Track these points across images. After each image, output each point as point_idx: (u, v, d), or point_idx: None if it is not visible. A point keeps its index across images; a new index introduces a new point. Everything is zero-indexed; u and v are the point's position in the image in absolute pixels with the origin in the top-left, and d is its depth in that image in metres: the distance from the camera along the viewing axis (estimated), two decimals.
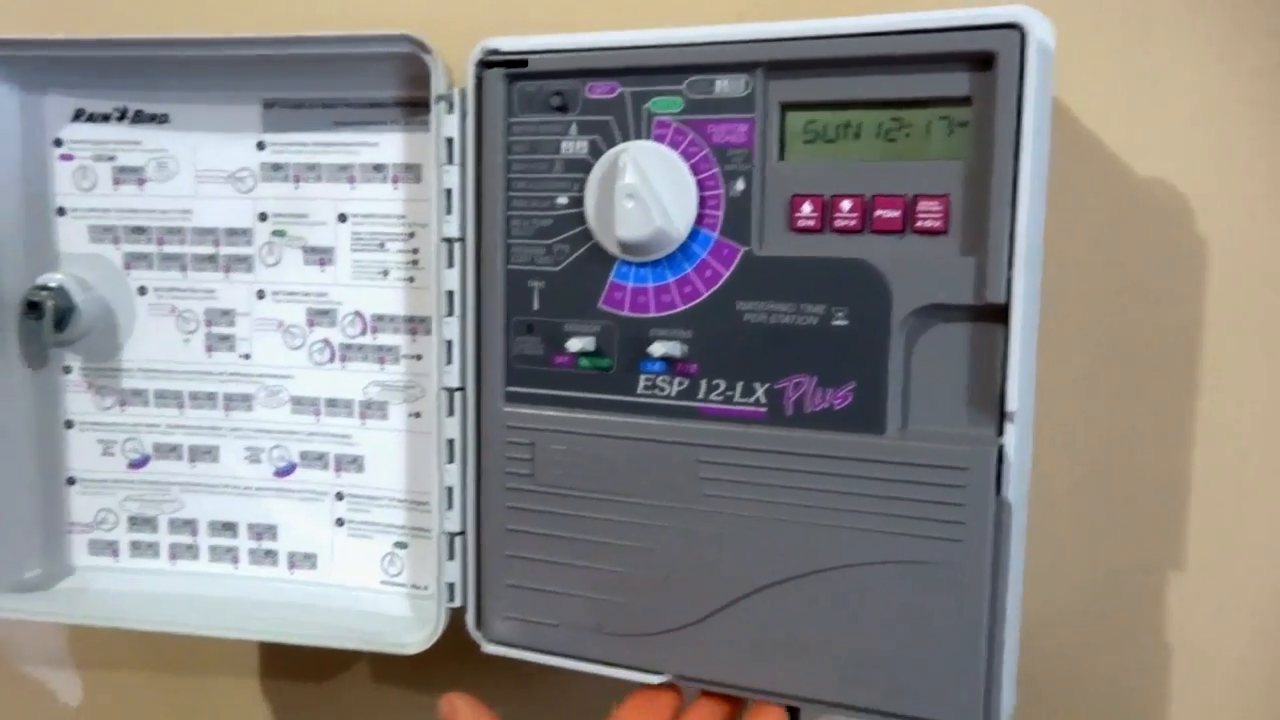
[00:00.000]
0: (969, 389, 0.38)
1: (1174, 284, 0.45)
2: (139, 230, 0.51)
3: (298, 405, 0.51)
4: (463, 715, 0.43)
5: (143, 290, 0.52)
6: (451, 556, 0.47)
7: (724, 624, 0.41)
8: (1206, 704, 0.47)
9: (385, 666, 0.60)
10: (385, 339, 0.50)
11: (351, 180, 0.49)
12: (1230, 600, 0.46)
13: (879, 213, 0.38)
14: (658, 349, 0.41)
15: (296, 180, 0.50)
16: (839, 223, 0.39)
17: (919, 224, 0.38)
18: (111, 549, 0.54)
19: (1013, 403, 0.37)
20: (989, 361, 0.38)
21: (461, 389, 0.46)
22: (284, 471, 0.52)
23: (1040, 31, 0.35)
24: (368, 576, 0.51)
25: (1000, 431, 0.37)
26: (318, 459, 0.51)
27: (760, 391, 0.41)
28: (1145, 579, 0.47)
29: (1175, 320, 0.45)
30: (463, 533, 0.46)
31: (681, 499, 0.42)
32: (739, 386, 0.41)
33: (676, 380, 0.42)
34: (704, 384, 0.41)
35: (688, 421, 0.42)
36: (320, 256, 0.50)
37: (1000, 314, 0.37)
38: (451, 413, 0.46)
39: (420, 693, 0.60)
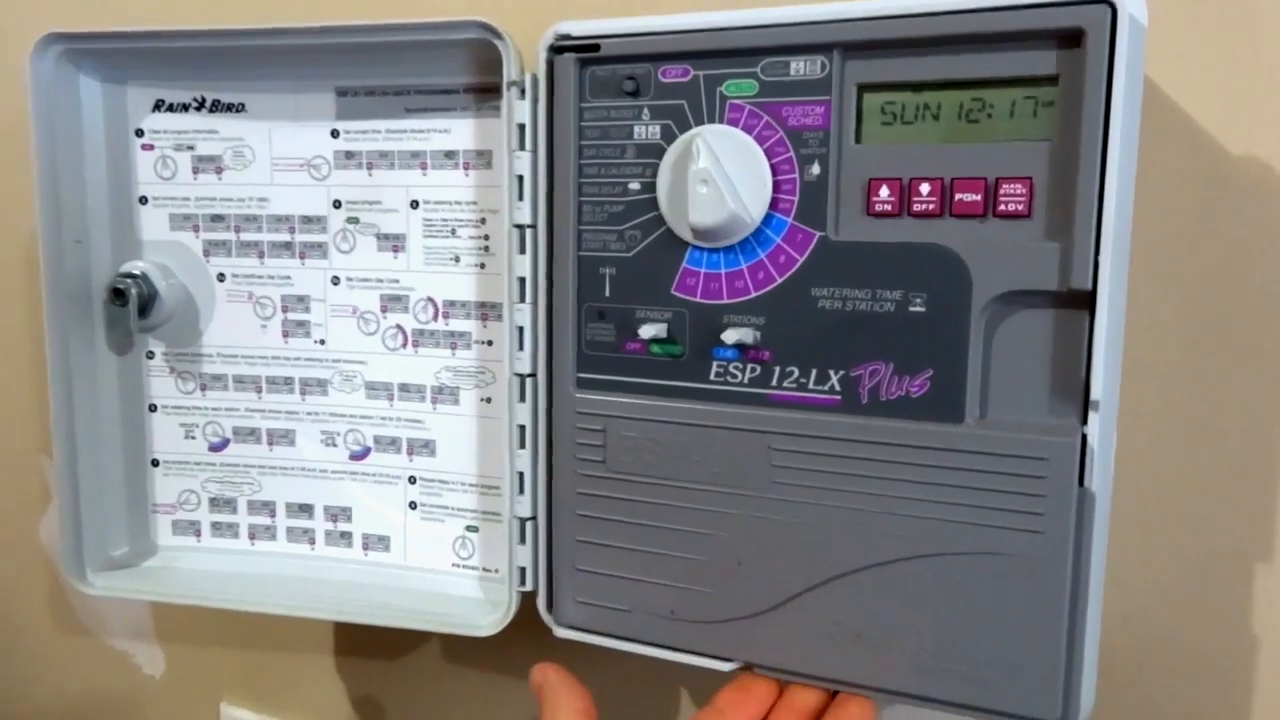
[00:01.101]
0: (1051, 377, 0.37)
1: (1267, 267, 0.43)
2: (217, 218, 0.52)
3: (371, 390, 0.52)
4: (553, 683, 0.43)
5: (221, 277, 0.53)
6: (523, 540, 0.47)
7: (797, 612, 0.41)
8: None
9: (456, 648, 0.61)
10: (457, 325, 0.50)
11: (424, 167, 0.49)
12: None
13: (959, 196, 0.37)
14: (730, 336, 0.41)
15: (370, 167, 0.50)
16: (917, 207, 0.38)
17: (1001, 208, 0.37)
18: (194, 529, 0.55)
19: (1097, 391, 0.36)
20: (1073, 349, 0.36)
21: (533, 375, 0.46)
22: (358, 455, 0.53)
23: (1132, 6, 0.34)
24: (440, 559, 0.52)
25: (1084, 421, 0.36)
26: (391, 443, 0.52)
27: (835, 379, 0.40)
28: (1231, 570, 0.45)
29: (1266, 305, 0.43)
30: (534, 517, 0.47)
31: (754, 486, 0.41)
32: (813, 374, 0.40)
33: (749, 367, 0.41)
34: (777, 371, 0.41)
35: (760, 409, 0.41)
36: (393, 243, 0.50)
37: (1085, 300, 0.36)
38: (523, 398, 0.46)
39: (491, 674, 0.60)
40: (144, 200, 0.53)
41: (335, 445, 0.53)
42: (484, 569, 0.51)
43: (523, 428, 0.46)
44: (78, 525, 0.53)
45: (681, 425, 0.43)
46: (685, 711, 0.56)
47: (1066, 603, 0.37)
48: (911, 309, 0.38)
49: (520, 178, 0.45)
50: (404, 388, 0.51)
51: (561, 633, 0.47)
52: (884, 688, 0.40)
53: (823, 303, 0.40)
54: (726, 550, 0.42)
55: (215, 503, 0.55)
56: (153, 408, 0.55)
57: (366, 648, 0.65)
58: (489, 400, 0.50)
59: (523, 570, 0.47)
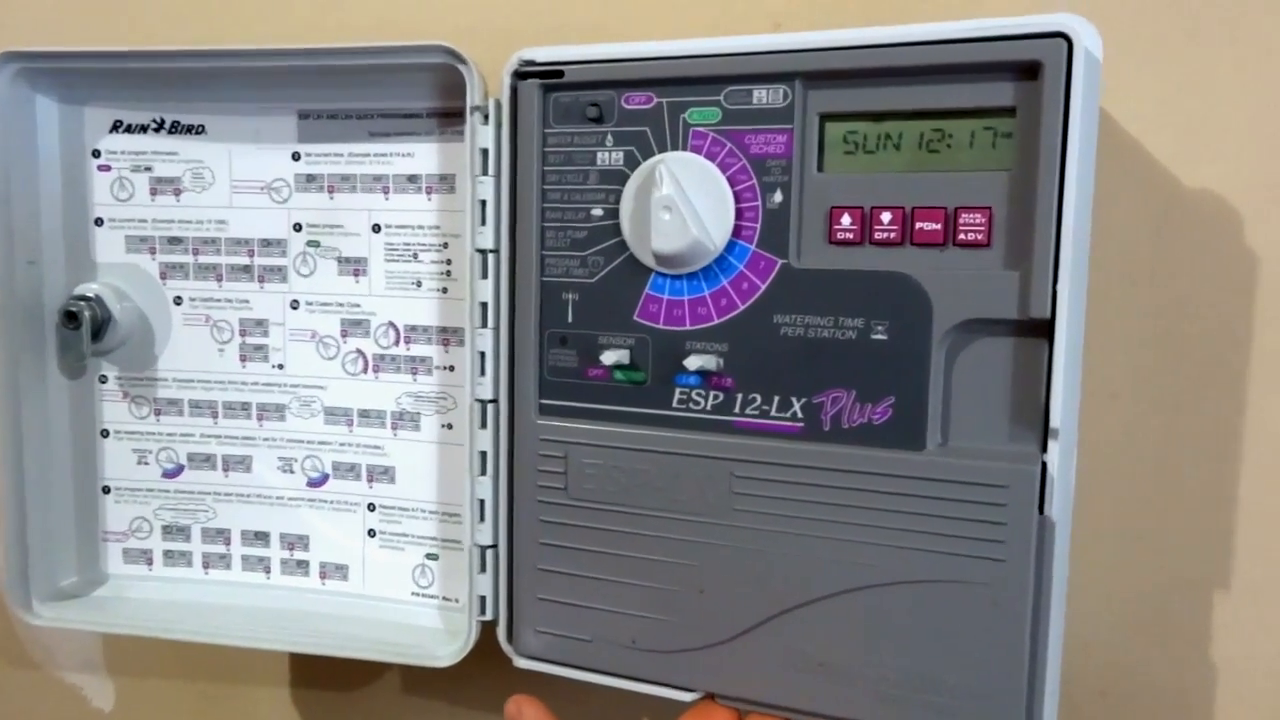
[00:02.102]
0: (1011, 405, 0.37)
1: (1222, 297, 0.44)
2: (175, 240, 0.52)
3: (331, 416, 0.51)
4: (528, 717, 0.43)
5: (178, 300, 0.52)
6: (483, 569, 0.46)
7: (759, 641, 0.41)
8: None
9: (416, 678, 0.60)
10: (418, 350, 0.49)
11: (386, 191, 0.49)
12: (1277, 619, 0.44)
13: (920, 225, 0.37)
14: (693, 362, 0.41)
15: (331, 191, 0.50)
16: (879, 235, 0.38)
17: (961, 237, 0.37)
18: (146, 557, 0.54)
19: (1056, 419, 0.36)
20: (1032, 377, 0.37)
21: (494, 401, 0.45)
22: (316, 482, 0.52)
23: (1088, 40, 0.35)
24: (399, 588, 0.51)
25: (1044, 449, 0.37)
26: (350, 470, 0.51)
27: (797, 406, 0.40)
28: (1190, 597, 0.45)
29: (1223, 335, 0.44)
30: (495, 545, 0.46)
31: (716, 514, 0.41)
32: (775, 401, 0.40)
33: (712, 394, 0.41)
34: (740, 398, 0.41)
35: (723, 436, 0.41)
36: (354, 267, 0.50)
37: (1044, 329, 0.36)
38: (484, 425, 0.46)
39: (451, 705, 0.59)
40: (100, 222, 0.52)
41: (293, 472, 0.52)
42: (444, 598, 0.50)
43: (484, 454, 0.46)
44: (24, 554, 0.52)
45: (644, 452, 0.42)
46: None
47: (1028, 630, 0.37)
48: (873, 336, 0.39)
49: (483, 202, 0.45)
50: (364, 413, 0.51)
51: (521, 663, 0.46)
52: (846, 717, 0.40)
53: (785, 330, 0.40)
54: (688, 578, 0.42)
55: (168, 530, 0.54)
56: (105, 433, 0.54)
57: (324, 679, 0.63)
58: (450, 426, 0.49)
59: (483, 599, 0.46)
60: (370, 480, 0.51)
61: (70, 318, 0.51)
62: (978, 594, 0.38)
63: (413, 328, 0.49)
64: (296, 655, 0.63)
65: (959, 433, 0.38)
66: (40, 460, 0.52)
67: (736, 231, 0.40)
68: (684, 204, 0.40)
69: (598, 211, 0.43)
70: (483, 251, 0.45)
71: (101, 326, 0.51)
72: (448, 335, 0.49)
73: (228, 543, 0.53)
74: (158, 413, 0.53)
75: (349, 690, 0.62)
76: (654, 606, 0.43)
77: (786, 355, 0.40)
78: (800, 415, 0.40)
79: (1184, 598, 0.45)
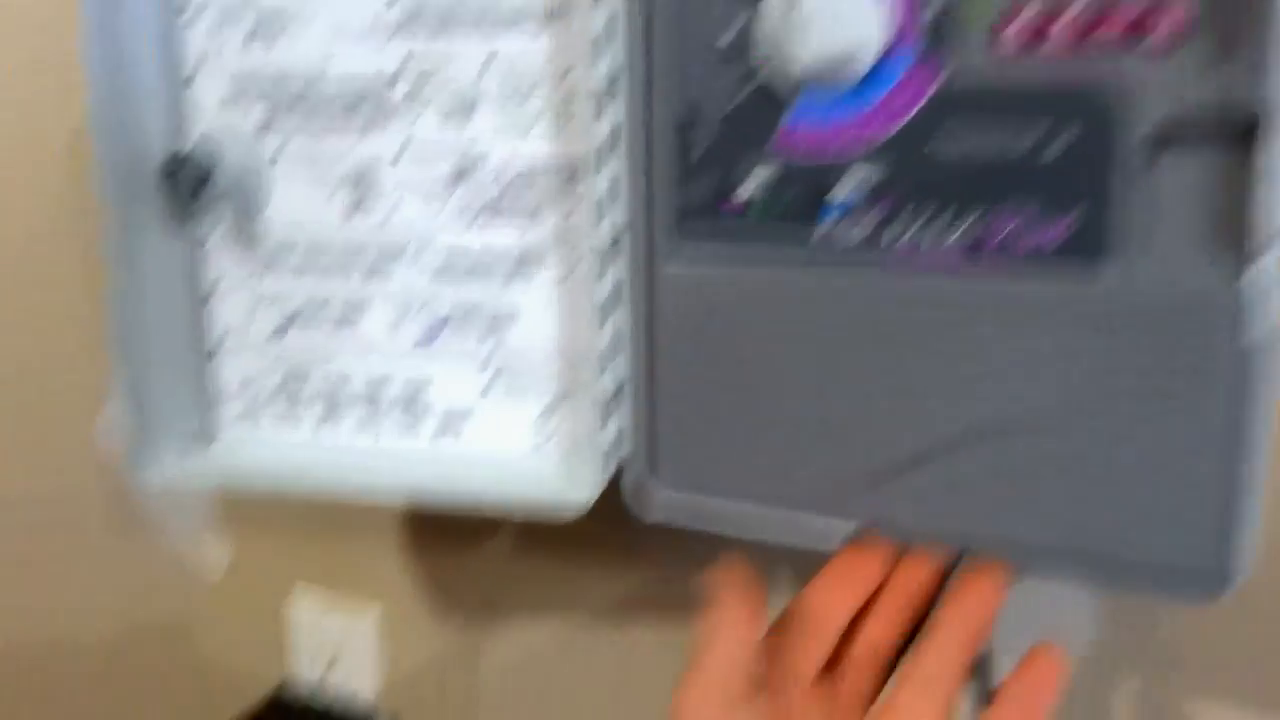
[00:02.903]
0: (1209, 222, 0.34)
1: None
2: (274, 89, 0.49)
3: (442, 266, 0.49)
4: (727, 600, 0.39)
5: (277, 152, 0.50)
6: (609, 418, 0.45)
7: (919, 478, 0.39)
8: None
9: (533, 536, 0.60)
10: (536, 193, 0.47)
11: (496, 23, 0.46)
12: None
13: (1109, 18, 0.33)
14: (841, 191, 0.38)
15: (437, 27, 0.46)
16: (1060, 34, 0.34)
17: (1157, 29, 0.33)
18: (257, 415, 0.54)
19: (1262, 236, 0.33)
20: (1233, 189, 0.33)
21: (619, 242, 0.43)
22: (430, 335, 0.50)
23: None
24: (520, 440, 0.50)
25: (1244, 271, 0.33)
26: (464, 322, 0.50)
27: (960, 233, 0.37)
28: None
29: None
30: (621, 393, 0.44)
31: (873, 354, 0.39)
32: (935, 228, 0.37)
33: (863, 225, 0.38)
34: (895, 228, 0.38)
35: (875, 271, 0.38)
36: (463, 108, 0.47)
37: (1252, 133, 0.32)
38: (608, 268, 0.43)
39: (569, 562, 0.59)
40: (195, 74, 0.50)
41: (405, 325, 0.50)
42: (568, 449, 0.49)
43: (608, 299, 0.44)
44: (139, 414, 0.51)
45: (785, 290, 0.40)
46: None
47: (1224, 459, 0.34)
48: (1050, 151, 0.35)
49: (603, 28, 0.41)
50: (477, 263, 0.49)
51: (652, 515, 0.45)
52: (1019, 548, 0.38)
53: (948, 148, 0.36)
54: (837, 419, 0.40)
55: (279, 388, 0.53)
56: (211, 291, 0.53)
57: (436, 542, 0.63)
58: (571, 272, 0.47)
59: (610, 449, 0.45)
60: (487, 331, 0.49)
61: (171, 173, 0.49)
62: (1168, 430, 0.35)
63: (529, 169, 0.47)
64: (409, 518, 0.64)
65: (1146, 255, 0.35)
66: (147, 320, 0.51)
67: (895, 38, 0.36)
68: (832, 9, 0.36)
69: (735, 27, 0.39)
70: (603, 81, 0.42)
71: (203, 180, 0.50)
72: (566, 176, 0.46)
73: (340, 399, 0.52)
74: (263, 269, 0.52)
75: (466, 545, 0.62)
76: (808, 445, 0.40)
77: (950, 177, 0.37)
78: (965, 244, 0.37)
79: None
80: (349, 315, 0.51)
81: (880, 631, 0.39)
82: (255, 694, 0.70)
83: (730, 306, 0.41)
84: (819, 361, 0.40)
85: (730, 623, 0.38)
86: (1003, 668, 0.42)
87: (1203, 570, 0.35)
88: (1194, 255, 0.34)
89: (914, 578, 0.39)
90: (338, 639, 0.68)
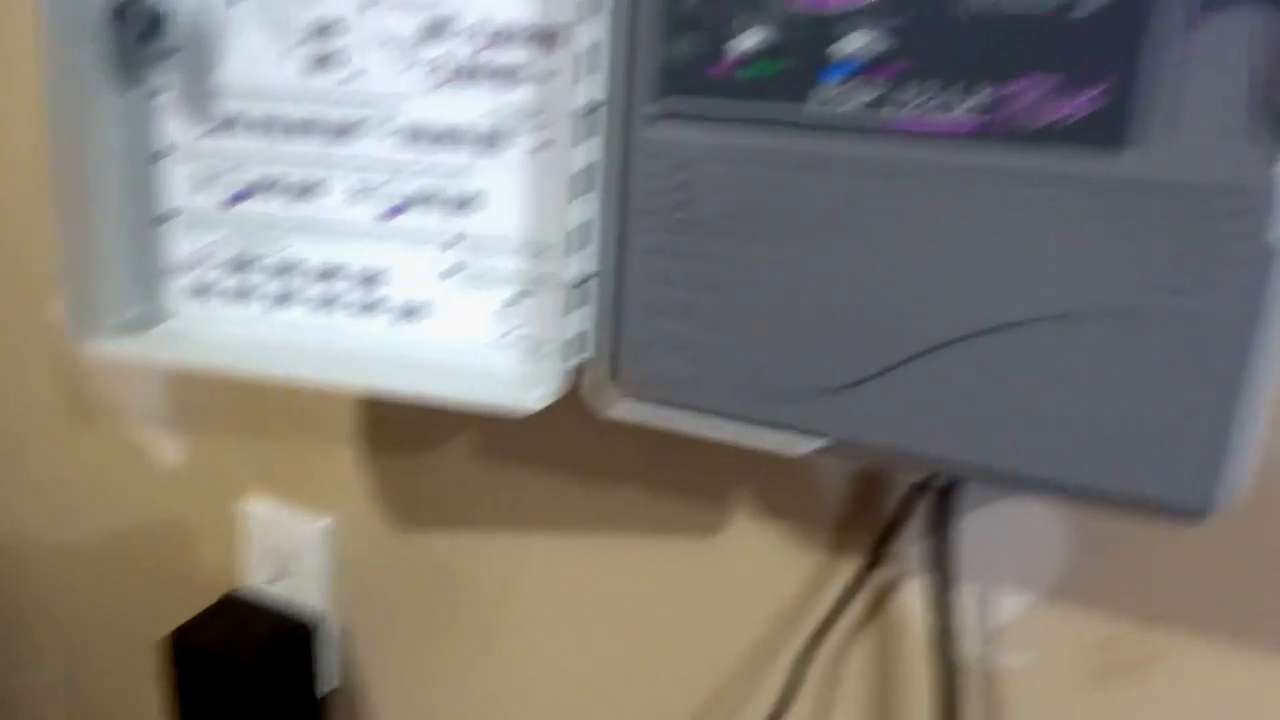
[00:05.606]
0: (1247, 96, 0.30)
1: None
2: None
3: (409, 135, 0.45)
4: None
5: None
6: (576, 308, 0.41)
7: (904, 382, 0.36)
8: None
9: (491, 437, 0.57)
10: (513, 54, 0.43)
11: None
12: None
13: None
14: (846, 46, 0.34)
15: None
16: None
17: None
18: (209, 291, 0.50)
19: None
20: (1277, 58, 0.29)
21: (597, 108, 0.39)
22: (394, 211, 0.46)
23: None
24: (485, 330, 0.46)
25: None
26: (430, 198, 0.46)
27: (976, 100, 0.33)
28: None
29: None
30: (591, 279, 0.41)
31: (866, 234, 0.35)
32: (949, 94, 0.33)
33: (867, 88, 0.35)
34: (903, 92, 0.34)
35: (879, 140, 0.35)
36: None
37: None
38: (582, 139, 0.39)
39: (535, 463, 0.56)
40: None
41: (368, 199, 0.47)
42: (535, 340, 0.45)
43: (580, 174, 0.40)
44: (83, 284, 0.48)
45: (779, 162, 0.36)
46: (738, 516, 0.51)
47: (1229, 377, 0.31)
48: (1079, 8, 0.31)
49: None
50: (448, 131, 0.45)
51: (619, 411, 0.41)
52: (998, 469, 0.35)
53: (968, 2, 0.33)
54: (825, 309, 0.36)
55: (233, 262, 0.49)
56: (160, 154, 0.49)
57: (395, 438, 0.60)
58: (548, 145, 0.43)
59: (578, 339, 0.42)
60: (453, 210, 0.46)
61: (118, 16, 0.45)
62: (1176, 329, 0.32)
63: (507, 27, 0.43)
64: (367, 412, 0.60)
65: (1176, 130, 0.31)
66: (92, 184, 0.47)
67: None
68: None
69: None
70: None
71: (153, 27, 0.46)
72: (545, 36, 0.42)
73: (297, 278, 0.49)
74: (218, 130, 0.48)
75: (421, 450, 0.59)
76: (781, 342, 0.37)
77: (967, 34, 0.33)
78: (979, 111, 0.33)
79: None
80: (308, 186, 0.47)
81: None
82: (205, 598, 0.67)
83: (713, 182, 0.37)
84: (803, 249, 0.36)
85: None
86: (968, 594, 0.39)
87: (1186, 501, 0.32)
88: (1228, 135, 0.30)
89: None
90: (290, 545, 0.65)
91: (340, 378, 0.46)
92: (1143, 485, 0.33)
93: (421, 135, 0.45)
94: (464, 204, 0.45)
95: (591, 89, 0.39)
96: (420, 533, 0.60)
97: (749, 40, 0.35)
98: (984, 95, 0.33)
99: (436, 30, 0.44)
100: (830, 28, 0.34)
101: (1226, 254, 0.31)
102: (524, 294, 0.45)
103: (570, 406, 0.43)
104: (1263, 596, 0.41)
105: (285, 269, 0.49)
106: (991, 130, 0.33)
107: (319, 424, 0.62)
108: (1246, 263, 0.31)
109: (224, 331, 0.50)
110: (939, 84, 0.33)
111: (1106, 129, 0.31)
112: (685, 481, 0.52)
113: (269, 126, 0.47)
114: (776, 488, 0.50)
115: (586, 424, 0.42)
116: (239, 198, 0.48)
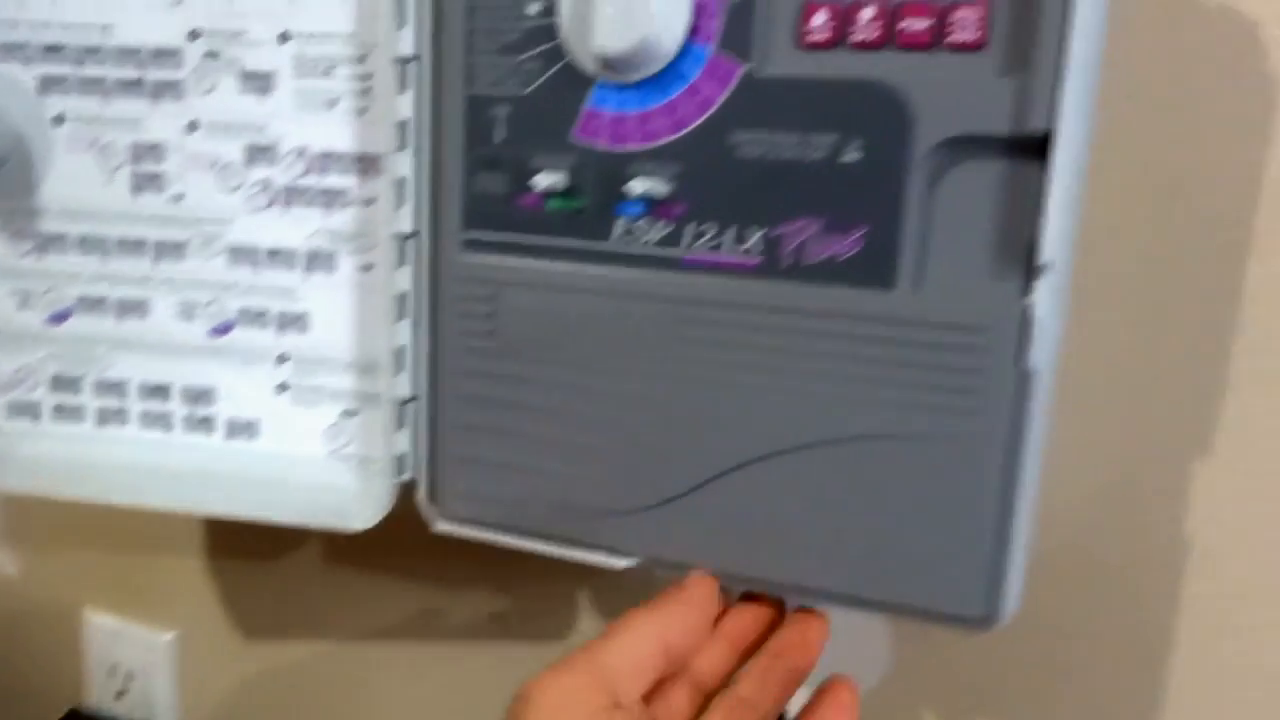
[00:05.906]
0: (997, 238, 0.33)
1: (1235, 122, 0.39)
2: (54, 49, 0.45)
3: (235, 255, 0.45)
4: (686, 595, 0.36)
5: (60, 119, 0.46)
6: (402, 425, 0.42)
7: (704, 502, 0.37)
8: (1218, 596, 0.42)
9: (335, 547, 0.56)
10: (333, 180, 0.44)
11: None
12: (1255, 490, 0.41)
13: (905, 23, 0.32)
14: (638, 187, 0.36)
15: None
16: (857, 36, 0.33)
17: (951, 37, 0.32)
18: (33, 411, 0.49)
19: (1046, 254, 0.31)
20: (1023, 206, 0.32)
21: (416, 234, 0.40)
22: (221, 330, 0.46)
23: None
24: (313, 447, 0.46)
25: (1028, 289, 0.32)
26: (258, 316, 0.46)
27: (755, 238, 0.35)
28: (1169, 465, 0.42)
29: (1231, 175, 0.39)
30: (415, 399, 0.41)
31: (661, 361, 0.37)
32: (730, 232, 0.35)
33: (659, 224, 0.36)
34: (690, 229, 0.36)
35: (669, 273, 0.36)
36: (259, 83, 0.43)
37: (1040, 148, 0.31)
38: (404, 262, 0.40)
39: (371, 574, 0.56)
40: None
41: (194, 318, 0.46)
42: (362, 457, 0.46)
43: (404, 296, 0.41)
44: None
45: (580, 291, 0.38)
46: (584, 618, 0.52)
47: (999, 492, 0.33)
48: (845, 157, 0.34)
49: (401, 4, 0.38)
50: (272, 253, 0.45)
51: (442, 527, 0.42)
52: (795, 584, 0.36)
53: (745, 149, 0.35)
54: (629, 432, 0.38)
55: (57, 381, 0.48)
56: None
57: (239, 549, 0.59)
58: (369, 268, 0.44)
59: (402, 458, 0.42)
60: (281, 328, 0.46)
61: None
62: (947, 450, 0.34)
63: (326, 154, 0.43)
64: (210, 524, 0.59)
65: (936, 270, 0.33)
66: None
67: (693, 30, 0.35)
68: None
69: (534, 8, 0.37)
70: (403, 60, 0.39)
71: None
72: (366, 163, 0.43)
73: (124, 396, 0.48)
74: (40, 249, 0.47)
75: (266, 560, 0.58)
76: (589, 463, 0.38)
77: (745, 179, 0.35)
78: (758, 249, 0.35)
79: (1162, 465, 0.42)
80: (133, 305, 0.47)
81: (707, 663, 0.37)
82: (48, 717, 0.64)
83: (521, 308, 0.38)
84: (608, 375, 0.37)
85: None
86: (797, 698, 0.40)
87: (972, 611, 0.34)
88: (980, 275, 0.33)
89: (757, 610, 0.38)
90: (134, 660, 0.63)
91: (169, 501, 0.45)
92: (930, 597, 0.35)
93: (249, 255, 0.45)
94: (292, 322, 0.46)
95: (407, 214, 0.40)
96: (268, 644, 0.59)
97: (549, 179, 0.37)
98: (760, 235, 0.35)
99: (260, 154, 0.44)
100: (622, 168, 0.36)
101: (990, 381, 0.33)
102: (352, 412, 0.45)
103: (413, 513, 0.43)
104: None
105: (111, 387, 0.48)
106: (771, 267, 0.35)
107: (161, 535, 0.60)
108: (1008, 388, 0.33)
109: (50, 450, 0.49)
110: (717, 225, 0.35)
111: (874, 269, 0.34)
112: (531, 585, 0.53)
113: (93, 245, 0.47)
114: (618, 590, 0.51)
115: (428, 531, 0.42)
116: (60, 317, 0.48)
